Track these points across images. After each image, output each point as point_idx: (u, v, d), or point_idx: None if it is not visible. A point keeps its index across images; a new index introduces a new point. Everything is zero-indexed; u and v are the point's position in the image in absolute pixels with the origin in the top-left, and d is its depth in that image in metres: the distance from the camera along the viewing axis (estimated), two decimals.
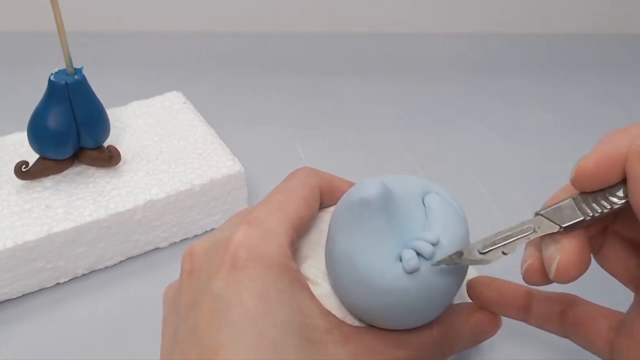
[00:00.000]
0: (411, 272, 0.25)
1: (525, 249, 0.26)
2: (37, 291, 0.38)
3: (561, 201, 0.25)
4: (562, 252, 0.24)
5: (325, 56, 0.64)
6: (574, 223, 0.24)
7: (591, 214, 0.24)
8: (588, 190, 0.24)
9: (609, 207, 0.24)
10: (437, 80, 0.60)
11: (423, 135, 0.53)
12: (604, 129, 0.59)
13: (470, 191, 0.47)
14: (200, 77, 0.59)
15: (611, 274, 0.28)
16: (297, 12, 0.67)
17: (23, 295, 0.38)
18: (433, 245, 0.26)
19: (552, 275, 0.24)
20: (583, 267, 0.24)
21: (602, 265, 0.28)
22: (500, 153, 0.51)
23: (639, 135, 0.23)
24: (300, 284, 0.26)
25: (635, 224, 0.23)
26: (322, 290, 0.28)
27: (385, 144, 0.52)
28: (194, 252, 0.27)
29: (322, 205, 0.30)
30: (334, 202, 0.30)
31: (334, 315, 0.27)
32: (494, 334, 0.30)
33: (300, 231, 0.28)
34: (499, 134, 0.53)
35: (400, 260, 0.26)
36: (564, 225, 0.24)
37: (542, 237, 0.25)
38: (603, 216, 0.24)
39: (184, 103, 0.48)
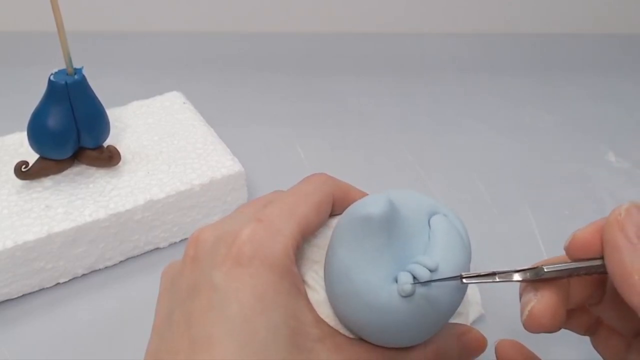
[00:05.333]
0: (405, 296, 0.25)
1: (521, 299, 0.27)
2: (37, 291, 0.38)
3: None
4: (538, 298, 0.25)
5: (325, 56, 0.64)
6: (553, 271, 0.25)
7: (571, 268, 0.25)
8: (580, 258, 0.25)
9: (588, 268, 0.25)
10: (437, 80, 0.60)
11: (423, 135, 0.53)
12: (604, 129, 0.59)
13: (470, 191, 0.47)
14: (200, 77, 0.59)
15: (602, 357, 0.29)
16: (297, 12, 0.67)
17: (23, 295, 0.38)
18: (431, 271, 0.25)
19: (523, 318, 0.25)
20: (554, 320, 0.25)
21: (596, 348, 0.30)
22: (500, 153, 0.51)
23: (621, 208, 0.24)
24: (298, 289, 0.26)
25: (620, 317, 0.25)
26: (319, 297, 0.27)
27: (385, 144, 0.52)
28: (200, 239, 0.27)
29: (335, 213, 0.30)
30: (347, 205, 0.29)
31: (327, 325, 0.27)
32: (481, 354, 0.30)
33: (306, 236, 0.28)
34: (499, 134, 0.53)
35: (397, 282, 0.25)
36: (546, 269, 0.25)
37: (525, 286, 0.26)
38: (581, 274, 0.25)
39: (184, 103, 0.48)
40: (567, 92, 0.59)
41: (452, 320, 0.31)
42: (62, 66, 0.38)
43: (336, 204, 0.29)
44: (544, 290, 0.25)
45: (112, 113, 0.42)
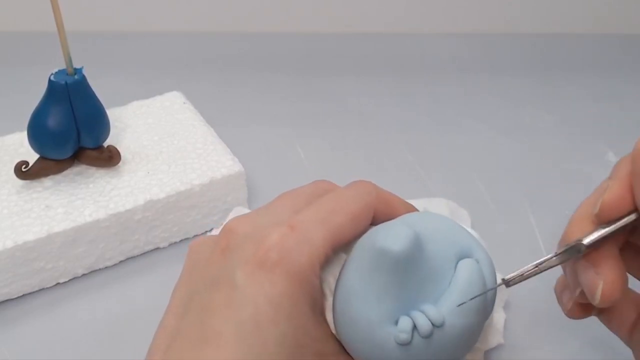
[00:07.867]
0: (401, 344, 0.24)
1: (560, 289, 0.26)
2: (37, 291, 0.38)
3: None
4: (604, 275, 0.23)
5: (325, 56, 0.64)
6: (598, 238, 0.23)
7: (613, 227, 0.23)
8: (614, 218, 0.23)
9: (625, 225, 0.23)
10: (437, 80, 0.60)
11: (423, 135, 0.53)
12: (604, 129, 0.59)
13: (470, 191, 0.47)
14: (200, 77, 0.59)
15: (634, 277, 0.27)
16: (297, 12, 0.67)
17: (23, 295, 0.38)
18: (435, 326, 0.24)
19: (596, 301, 0.23)
20: (625, 285, 0.24)
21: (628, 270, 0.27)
22: (501, 153, 0.51)
23: None
24: (315, 303, 0.26)
25: None
26: (329, 304, 0.27)
27: (385, 144, 0.52)
28: (235, 230, 0.27)
29: (375, 223, 0.29)
30: (388, 219, 0.29)
31: (335, 343, 0.27)
32: None
33: (337, 247, 0.27)
34: (499, 134, 0.53)
35: (397, 324, 0.24)
36: (586, 242, 0.23)
37: (577, 266, 0.24)
38: (623, 228, 0.23)
39: (184, 103, 0.48)
40: (567, 92, 0.59)
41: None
42: (62, 66, 0.38)
43: (377, 215, 0.29)
44: (603, 263, 0.23)
45: (112, 113, 0.42)
